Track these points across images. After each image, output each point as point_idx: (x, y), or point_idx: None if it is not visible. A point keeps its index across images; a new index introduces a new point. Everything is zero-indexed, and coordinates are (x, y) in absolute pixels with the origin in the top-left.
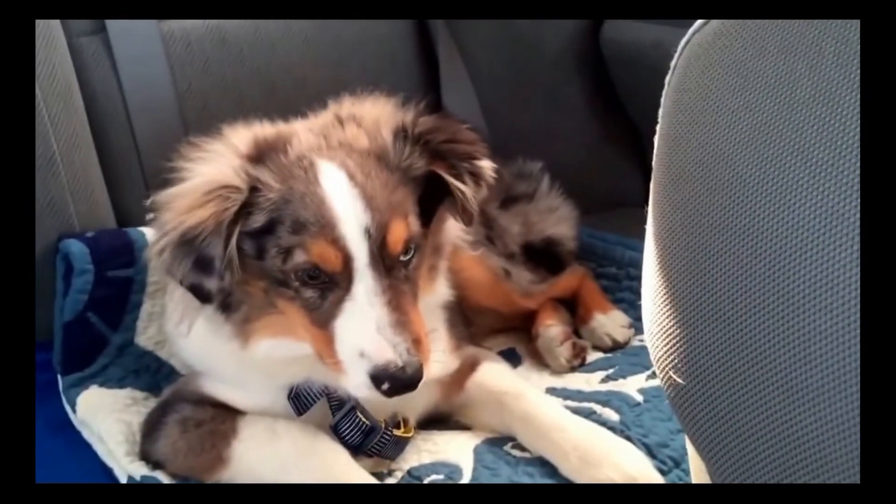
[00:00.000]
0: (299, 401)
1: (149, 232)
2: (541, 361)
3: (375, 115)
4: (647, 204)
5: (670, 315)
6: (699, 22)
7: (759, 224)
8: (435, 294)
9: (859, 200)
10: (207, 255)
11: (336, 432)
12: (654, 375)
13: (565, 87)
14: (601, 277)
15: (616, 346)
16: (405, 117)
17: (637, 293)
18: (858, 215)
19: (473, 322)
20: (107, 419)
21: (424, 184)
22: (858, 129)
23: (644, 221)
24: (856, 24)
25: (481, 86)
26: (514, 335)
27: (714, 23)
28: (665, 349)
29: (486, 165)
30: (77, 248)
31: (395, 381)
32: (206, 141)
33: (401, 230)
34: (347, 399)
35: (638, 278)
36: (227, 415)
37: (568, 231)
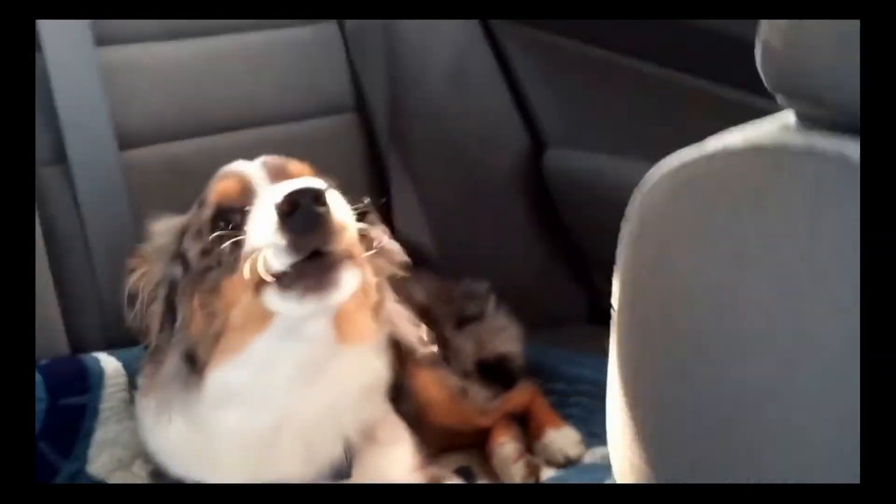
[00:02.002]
0: None
1: (104, 358)
2: (496, 479)
3: None
4: (590, 321)
5: (640, 456)
6: (651, 171)
7: (721, 374)
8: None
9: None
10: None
11: None
12: None
13: (512, 211)
14: (550, 393)
15: (569, 462)
16: None
17: (586, 408)
18: (818, 362)
19: (427, 442)
20: None
21: None
22: (807, 280)
23: (589, 338)
24: (803, 177)
25: (432, 209)
26: (469, 453)
27: (666, 175)
28: None
29: None
30: None
31: (291, 196)
32: None
33: (301, 166)
34: None
35: (586, 394)
36: None
37: (517, 348)
